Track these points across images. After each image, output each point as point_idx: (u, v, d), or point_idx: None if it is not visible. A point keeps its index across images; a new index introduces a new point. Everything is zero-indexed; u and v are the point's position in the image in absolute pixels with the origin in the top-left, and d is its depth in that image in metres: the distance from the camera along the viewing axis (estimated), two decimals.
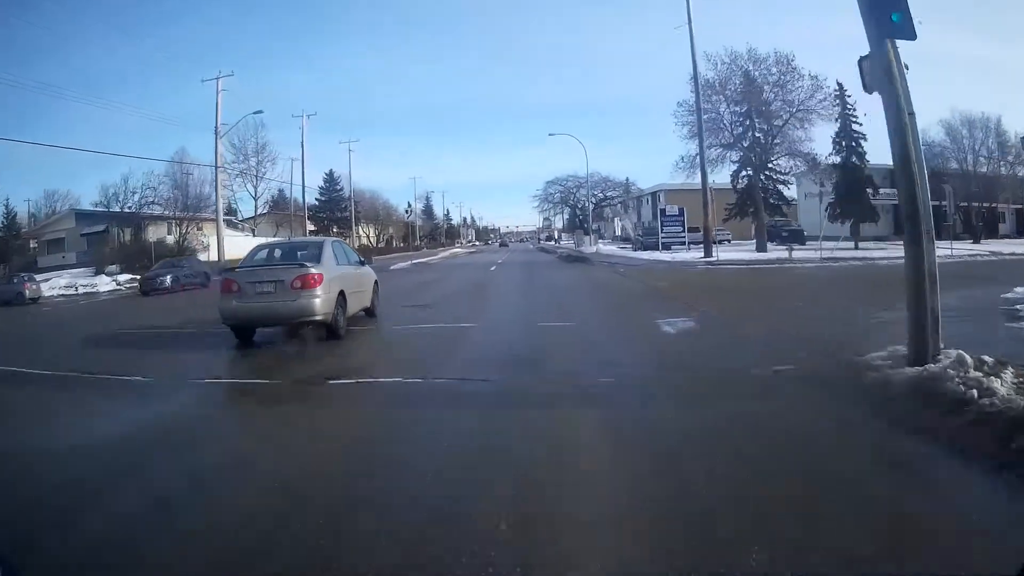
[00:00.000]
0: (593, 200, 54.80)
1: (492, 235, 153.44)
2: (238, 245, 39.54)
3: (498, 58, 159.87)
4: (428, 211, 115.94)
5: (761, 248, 26.44)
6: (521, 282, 17.40)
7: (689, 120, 27.05)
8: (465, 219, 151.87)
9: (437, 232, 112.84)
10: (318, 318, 7.68)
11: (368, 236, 77.64)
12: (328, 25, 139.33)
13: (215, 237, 45.22)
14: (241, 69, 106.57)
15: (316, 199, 63.92)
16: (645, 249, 32.03)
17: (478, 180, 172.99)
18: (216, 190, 32.98)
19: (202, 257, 34.01)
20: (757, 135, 27.93)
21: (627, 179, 53.06)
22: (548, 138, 64.58)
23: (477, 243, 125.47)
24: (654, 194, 57.42)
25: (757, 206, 27.96)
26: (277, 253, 9.14)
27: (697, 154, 26.26)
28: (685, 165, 27.85)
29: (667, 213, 28.00)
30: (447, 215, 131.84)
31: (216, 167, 32.66)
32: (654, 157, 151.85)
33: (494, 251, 61.39)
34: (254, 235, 49.71)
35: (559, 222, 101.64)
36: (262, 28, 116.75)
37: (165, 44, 71.48)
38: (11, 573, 1.76)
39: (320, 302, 7.62)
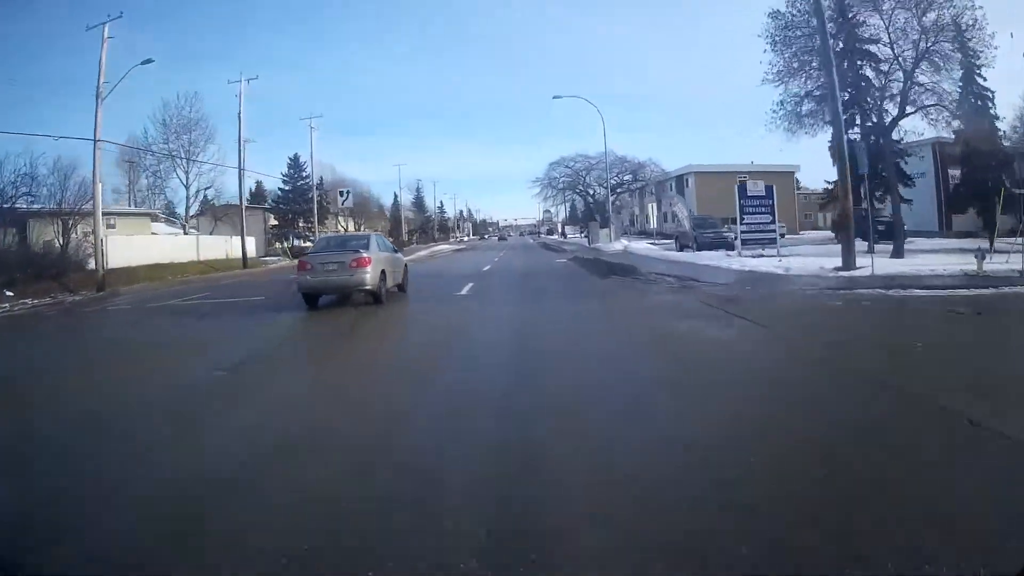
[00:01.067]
0: (604, 187, 45.08)
1: (490, 229, 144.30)
2: (137, 247, 29.97)
3: (496, 45, 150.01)
4: (419, 203, 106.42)
5: (898, 252, 16.80)
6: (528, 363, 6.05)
7: (793, 37, 17.21)
8: (461, 212, 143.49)
9: (429, 226, 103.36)
10: (368, 287, 11.31)
11: (347, 230, 68.19)
12: (311, 12, 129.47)
13: (139, 236, 35.83)
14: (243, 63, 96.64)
15: (280, 189, 54.13)
16: (699, 248, 22.46)
17: (475, 173, 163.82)
18: (94, 173, 23.32)
19: (90, 266, 24.30)
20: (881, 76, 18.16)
21: (648, 160, 43.62)
22: (550, 126, 54.72)
23: (469, 238, 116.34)
24: (680, 178, 47.69)
25: (891, 186, 18.35)
26: (336, 243, 13.01)
27: (807, 94, 16.58)
28: (784, 114, 18.19)
29: (749, 192, 18.20)
30: (440, 208, 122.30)
31: (96, 140, 22.92)
32: (671, 139, 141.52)
33: (489, 247, 52.12)
34: (184, 232, 39.89)
35: (561, 213, 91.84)
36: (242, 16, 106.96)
37: None
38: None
39: (369, 276, 11.21)
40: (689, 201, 43.76)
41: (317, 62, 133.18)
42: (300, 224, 53.75)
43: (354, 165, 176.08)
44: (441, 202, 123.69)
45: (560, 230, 77.58)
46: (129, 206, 43.22)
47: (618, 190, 44.03)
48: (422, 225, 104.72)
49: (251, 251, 42.63)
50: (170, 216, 45.57)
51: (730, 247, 22.20)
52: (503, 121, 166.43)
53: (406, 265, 14.21)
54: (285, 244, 52.18)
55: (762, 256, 16.79)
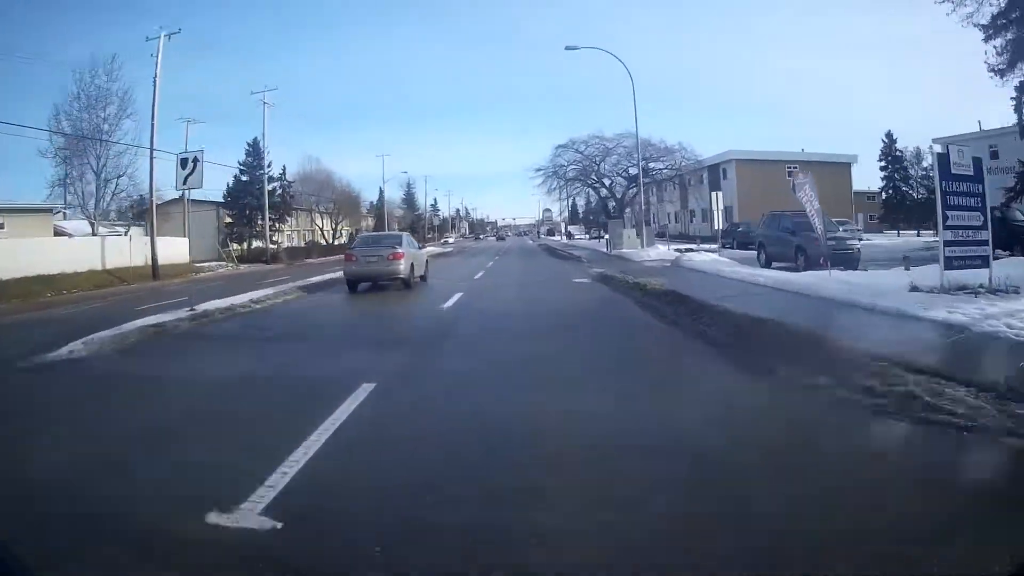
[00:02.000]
0: (624, 176, 36.61)
1: (488, 228, 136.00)
2: (21, 254, 21.74)
3: (496, 38, 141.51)
4: (410, 200, 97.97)
5: None
6: None
7: None
8: (458, 211, 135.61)
9: (419, 225, 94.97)
10: (401, 276, 14.33)
11: (323, 229, 59.50)
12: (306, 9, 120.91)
13: (32, 239, 27.34)
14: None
15: (235, 179, 45.46)
16: (810, 265, 14.17)
17: (473, 171, 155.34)
18: None
19: None
20: None
21: (678, 145, 34.83)
22: (555, 116, 46.07)
23: (455, 239, 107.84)
24: (714, 168, 39.20)
25: None
26: (374, 240, 16.28)
27: None
28: None
29: (954, 169, 9.87)
30: (433, 205, 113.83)
31: None
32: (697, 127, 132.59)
33: (480, 250, 43.52)
34: (94, 232, 31.26)
35: (564, 211, 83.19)
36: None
37: None
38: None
39: (402, 267, 14.26)
40: (727, 195, 35.45)
41: (311, 59, 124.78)
42: (259, 222, 45.23)
43: (345, 161, 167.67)
44: (435, 199, 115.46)
45: (563, 230, 69.02)
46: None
47: (644, 180, 35.76)
48: (412, 223, 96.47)
49: (184, 256, 34.11)
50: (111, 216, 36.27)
51: (851, 262, 13.98)
52: (503, 114, 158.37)
53: (428, 259, 18.19)
54: (239, 246, 43.77)
55: (991, 295, 8.30)
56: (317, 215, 59.55)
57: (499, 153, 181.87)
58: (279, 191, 46.14)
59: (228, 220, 45.76)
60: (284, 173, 46.31)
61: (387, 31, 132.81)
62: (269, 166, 45.51)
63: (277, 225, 46.50)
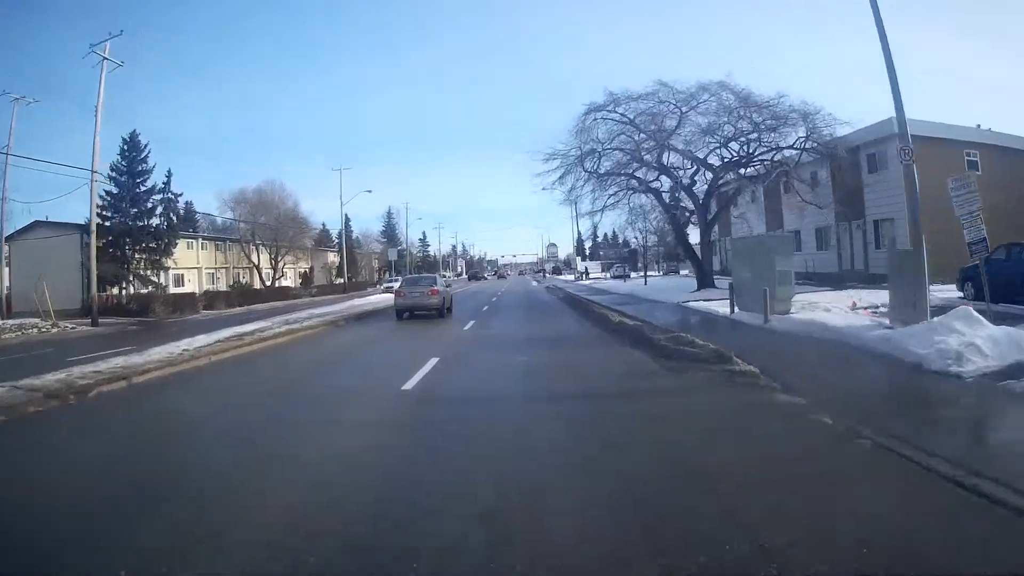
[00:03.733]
0: (714, 162, 20.84)
1: (487, 266, 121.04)
2: None
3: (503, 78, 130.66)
4: (390, 233, 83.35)
5: None
6: None
7: None
8: (453, 247, 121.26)
9: (398, 263, 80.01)
10: (436, 308, 17.05)
11: (259, 267, 44.04)
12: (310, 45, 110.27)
13: None
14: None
15: (104, 195, 30.34)
16: None
17: (472, 210, 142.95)
18: None
19: None
20: None
21: (809, 106, 19.38)
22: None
23: (454, 276, 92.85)
24: (854, 150, 23.41)
25: None
26: (415, 281, 19.33)
27: None
28: None
29: None
30: (422, 240, 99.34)
31: None
32: None
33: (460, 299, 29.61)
34: None
35: (584, 235, 67.44)
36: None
37: None
38: None
39: (438, 301, 17.09)
40: (892, 185, 20.54)
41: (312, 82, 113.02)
42: (139, 257, 30.12)
43: (324, 198, 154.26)
44: (423, 233, 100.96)
45: (578, 267, 53.58)
46: None
47: (750, 166, 19.93)
48: (393, 261, 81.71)
49: None
50: None
51: None
52: (506, 149, 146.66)
53: (452, 295, 20.46)
54: (114, 290, 28.70)
55: None
56: (257, 248, 44.56)
57: (498, 190, 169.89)
58: (160, 209, 30.98)
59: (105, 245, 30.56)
60: (169, 182, 31.15)
61: (390, 60, 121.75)
62: (162, 190, 30.58)
63: (160, 259, 31.22)
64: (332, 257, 60.80)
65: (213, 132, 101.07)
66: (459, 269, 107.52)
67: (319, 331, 14.51)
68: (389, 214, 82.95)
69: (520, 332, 12.11)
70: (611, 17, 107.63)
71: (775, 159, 19.68)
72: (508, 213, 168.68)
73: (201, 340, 11.58)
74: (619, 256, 67.87)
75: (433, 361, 8.36)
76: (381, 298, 28.69)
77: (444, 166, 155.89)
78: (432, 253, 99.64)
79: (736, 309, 12.15)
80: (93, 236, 23.79)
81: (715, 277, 21.43)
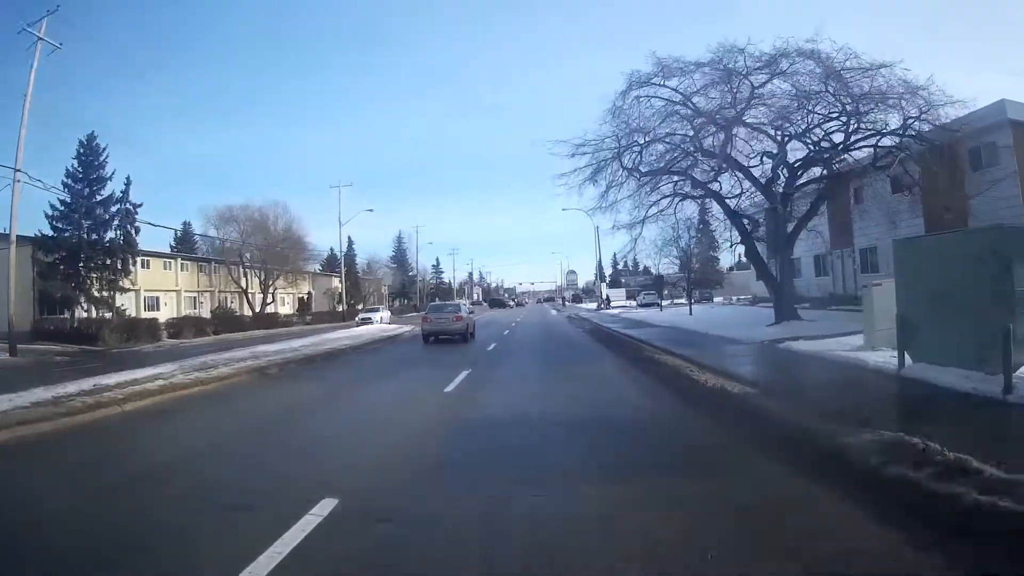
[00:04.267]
0: (804, 142, 14.94)
1: (505, 294, 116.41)
2: None
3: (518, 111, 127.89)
4: (400, 258, 78.94)
5: None
6: None
7: None
8: (470, 275, 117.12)
9: (411, 289, 75.29)
10: (460, 333, 18.00)
11: (247, 292, 39.27)
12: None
13: None
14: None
15: (54, 206, 26.18)
16: None
17: (488, 240, 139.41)
18: None
19: None
20: None
21: (910, 79, 14.48)
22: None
23: (471, 305, 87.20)
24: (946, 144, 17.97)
25: None
26: (440, 307, 20.56)
27: None
28: None
29: None
30: (436, 267, 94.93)
31: None
32: None
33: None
34: None
35: (619, 258, 62.36)
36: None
37: None
38: None
39: (462, 326, 18.14)
40: (1007, 193, 15.29)
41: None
42: (93, 277, 25.73)
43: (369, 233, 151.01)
44: (437, 259, 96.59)
45: (601, 295, 48.06)
46: None
47: (844, 155, 14.57)
48: (403, 286, 77.06)
49: None
50: None
51: None
52: (523, 181, 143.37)
53: (474, 321, 22.08)
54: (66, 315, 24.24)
55: None
56: (246, 271, 40.02)
57: (516, 217, 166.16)
58: (116, 222, 26.62)
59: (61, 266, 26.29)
60: (127, 191, 26.89)
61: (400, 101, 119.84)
62: (119, 201, 26.31)
63: (116, 279, 26.72)
64: (336, 283, 56.26)
65: (226, 158, 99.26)
66: (475, 297, 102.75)
67: (234, 383, 9.54)
68: (399, 239, 78.76)
69: (538, 407, 7.08)
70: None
71: (877, 146, 14.42)
72: (525, 242, 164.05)
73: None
74: (643, 284, 62.69)
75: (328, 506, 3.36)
76: (356, 332, 23.81)
77: (460, 194, 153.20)
78: (447, 280, 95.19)
79: (909, 361, 6.87)
80: (13, 248, 19.32)
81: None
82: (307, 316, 44.26)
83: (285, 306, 46.45)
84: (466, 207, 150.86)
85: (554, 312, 44.82)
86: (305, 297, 50.99)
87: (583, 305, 60.46)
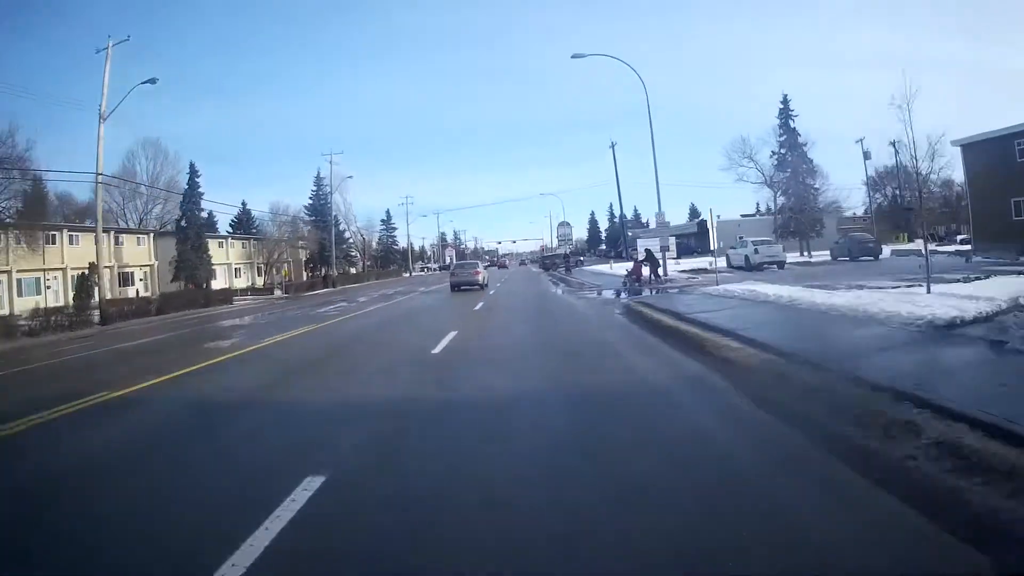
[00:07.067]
0: None
1: (486, 257, 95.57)
2: None
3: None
4: (319, 210, 55.91)
5: None
6: None
7: None
8: (443, 235, 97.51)
9: (391, 255, 59.17)
10: (480, 284, 25.71)
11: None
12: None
13: None
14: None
15: None
16: None
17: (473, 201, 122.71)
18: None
19: None
20: None
21: None
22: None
23: (422, 271, 69.08)
24: None
25: None
26: (462, 264, 32.71)
27: None
28: None
29: None
30: (385, 220, 72.37)
31: None
32: None
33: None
34: None
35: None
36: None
37: None
38: None
39: (481, 278, 26.41)
40: None
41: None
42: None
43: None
44: (387, 212, 73.96)
45: (656, 247, 24.72)
46: None
47: None
48: (383, 254, 58.78)
49: None
50: None
51: None
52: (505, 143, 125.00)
53: (487, 272, 30.97)
54: None
55: None
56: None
57: (498, 182, 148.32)
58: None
59: None
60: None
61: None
62: None
63: None
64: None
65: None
66: (447, 260, 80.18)
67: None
68: (318, 178, 55.46)
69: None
70: None
71: None
72: (509, 208, 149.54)
73: None
74: (679, 231, 42.72)
75: None
76: None
77: (439, 159, 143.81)
78: (399, 241, 73.41)
79: None
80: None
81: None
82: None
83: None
84: (450, 170, 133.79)
85: (555, 289, 23.94)
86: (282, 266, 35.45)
87: (593, 269, 39.08)
